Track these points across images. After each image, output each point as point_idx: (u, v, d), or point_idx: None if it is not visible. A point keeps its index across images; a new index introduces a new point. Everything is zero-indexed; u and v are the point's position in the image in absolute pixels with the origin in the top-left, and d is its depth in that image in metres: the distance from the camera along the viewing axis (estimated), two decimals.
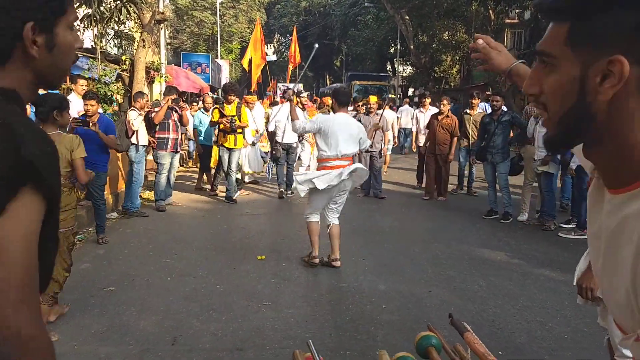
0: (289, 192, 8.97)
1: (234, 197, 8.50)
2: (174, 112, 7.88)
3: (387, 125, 9.75)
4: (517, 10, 23.22)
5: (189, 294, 4.43)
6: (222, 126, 8.21)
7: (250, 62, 16.26)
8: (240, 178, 9.14)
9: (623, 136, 0.82)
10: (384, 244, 6.02)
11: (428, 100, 10.45)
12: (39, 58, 1.02)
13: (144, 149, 7.77)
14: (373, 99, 9.04)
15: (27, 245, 0.91)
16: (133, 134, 7.30)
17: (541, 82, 0.88)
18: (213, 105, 9.17)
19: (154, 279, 4.82)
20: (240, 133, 8.38)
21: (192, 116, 9.94)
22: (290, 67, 19.37)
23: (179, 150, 8.03)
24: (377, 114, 8.95)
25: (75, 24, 1.11)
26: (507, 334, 3.70)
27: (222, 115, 8.19)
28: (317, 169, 5.27)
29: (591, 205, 0.98)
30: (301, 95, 10.08)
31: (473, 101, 8.68)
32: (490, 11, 22.29)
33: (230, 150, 8.33)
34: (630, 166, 0.83)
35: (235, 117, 8.20)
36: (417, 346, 1.58)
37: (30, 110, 5.78)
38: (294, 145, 9.06)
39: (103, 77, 9.16)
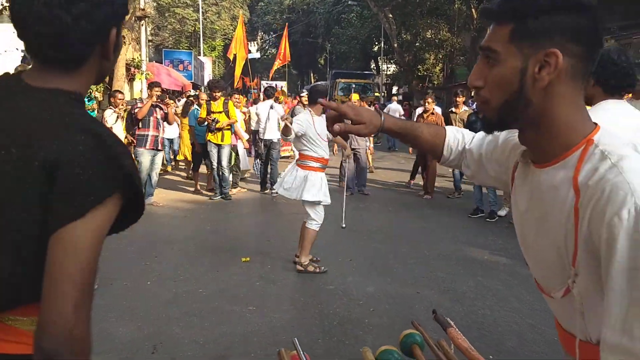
0: (274, 190, 8.80)
1: (229, 195, 8.48)
2: (157, 109, 7.74)
3: None
4: None
5: (170, 298, 4.28)
6: (208, 123, 8.21)
7: (234, 58, 16.15)
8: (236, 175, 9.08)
9: (553, 117, 0.99)
10: (371, 243, 5.92)
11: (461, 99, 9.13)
12: (111, 61, 1.07)
13: None
14: (355, 97, 8.94)
15: (97, 248, 0.95)
16: None
17: (485, 75, 1.02)
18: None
19: (133, 282, 4.65)
20: (227, 129, 8.31)
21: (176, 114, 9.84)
22: (277, 64, 19.19)
23: (159, 148, 7.85)
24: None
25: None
26: (497, 337, 3.62)
27: (208, 112, 8.15)
28: (314, 169, 4.96)
29: (519, 188, 1.13)
30: (301, 95, 10.08)
31: (457, 99, 8.59)
32: (473, 10, 22.34)
33: (218, 146, 8.26)
34: (557, 142, 0.99)
35: (217, 116, 8.09)
36: (401, 344, 1.59)
37: None
38: (275, 141, 9.05)
39: None
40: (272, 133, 9.01)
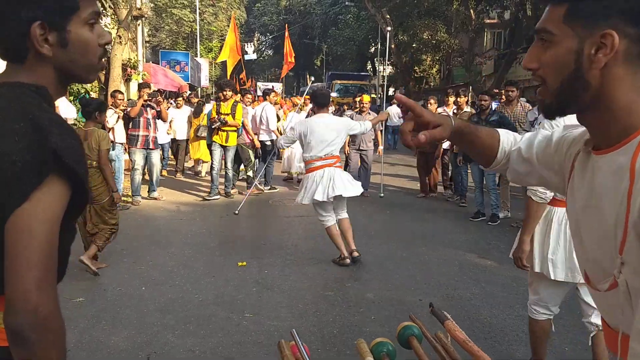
0: (267, 188, 9.21)
1: (231, 193, 8.71)
2: (147, 109, 7.79)
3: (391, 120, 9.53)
4: (497, 10, 23.23)
5: (164, 305, 4.14)
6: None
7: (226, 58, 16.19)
8: (251, 175, 9.14)
9: (613, 99, 0.96)
10: (369, 247, 5.79)
11: (452, 99, 8.97)
12: (55, 55, 1.06)
13: (122, 146, 7.95)
14: (366, 98, 9.02)
15: (50, 228, 0.97)
16: (109, 131, 7.09)
17: (539, 58, 1.02)
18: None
19: (127, 288, 4.51)
20: (233, 131, 8.35)
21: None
22: (286, 67, 19.16)
23: (151, 147, 7.90)
24: (369, 113, 8.89)
25: (93, 19, 1.12)
26: (506, 346, 3.50)
27: (217, 113, 8.26)
28: (306, 172, 5.30)
29: (577, 177, 1.10)
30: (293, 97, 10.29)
31: (447, 99, 8.56)
32: (471, 11, 22.27)
33: (223, 147, 8.36)
34: (617, 126, 0.97)
35: (224, 118, 8.15)
36: (398, 336, 1.61)
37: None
38: (267, 143, 9.24)
39: None
40: (264, 135, 9.23)
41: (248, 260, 5.30)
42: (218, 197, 8.54)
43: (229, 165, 8.53)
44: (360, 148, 8.69)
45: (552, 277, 2.74)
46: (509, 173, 1.37)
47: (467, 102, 8.46)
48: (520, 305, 4.16)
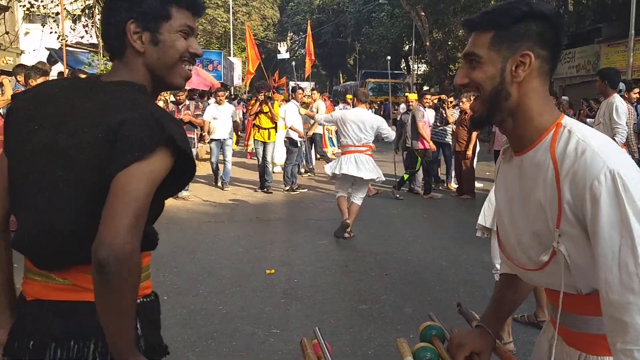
0: (286, 189, 9.22)
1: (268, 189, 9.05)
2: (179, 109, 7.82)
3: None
4: None
5: (186, 318, 3.86)
6: (257, 121, 8.96)
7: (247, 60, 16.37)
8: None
9: (528, 106, 1.22)
10: (407, 256, 5.41)
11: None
12: (146, 52, 1.27)
13: None
14: (412, 96, 9.03)
15: (148, 186, 1.15)
16: None
17: (469, 76, 1.25)
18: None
19: None
20: (273, 128, 8.98)
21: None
22: (308, 64, 18.94)
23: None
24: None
25: (186, 31, 1.32)
26: None
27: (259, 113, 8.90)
28: (341, 153, 6.38)
29: (502, 180, 1.36)
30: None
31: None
32: None
33: (264, 143, 8.91)
34: (532, 127, 1.22)
35: (262, 116, 8.86)
36: (421, 336, 1.56)
37: None
38: (296, 139, 9.37)
39: (104, 72, 8.66)
40: (293, 132, 9.32)
41: (277, 267, 5.00)
42: (264, 190, 9.02)
43: (268, 158, 9.03)
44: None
45: None
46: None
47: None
48: None
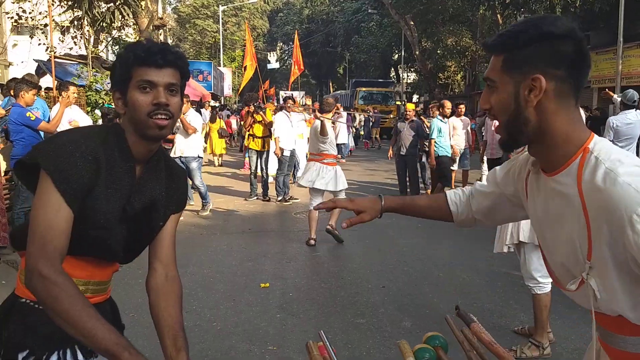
0: (279, 199, 9.13)
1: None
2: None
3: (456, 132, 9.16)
4: (526, 15, 22.57)
5: None
6: (251, 131, 9.04)
7: (245, 66, 16.21)
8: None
9: (550, 131, 1.17)
10: (403, 267, 5.34)
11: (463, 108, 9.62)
12: (126, 112, 1.44)
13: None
14: (410, 106, 9.21)
15: (42, 212, 1.30)
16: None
17: (489, 100, 1.22)
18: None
19: (141, 314, 4.14)
20: (267, 136, 8.99)
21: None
22: (296, 72, 18.84)
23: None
24: (413, 120, 8.88)
25: (144, 85, 1.41)
26: None
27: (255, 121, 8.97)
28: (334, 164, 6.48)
29: (534, 195, 1.31)
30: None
31: (459, 108, 8.40)
32: (499, 15, 21.69)
33: (258, 152, 9.01)
34: (558, 152, 1.18)
35: (256, 125, 8.89)
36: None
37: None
38: (285, 153, 9.19)
39: (94, 84, 8.53)
40: (284, 142, 9.14)
41: (271, 280, 4.91)
42: (256, 198, 9.16)
43: (267, 170, 9.11)
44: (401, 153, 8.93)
45: None
46: (479, 222, 1.56)
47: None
48: (584, 339, 3.67)
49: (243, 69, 16.71)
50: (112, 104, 7.80)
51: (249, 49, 17.01)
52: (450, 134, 8.77)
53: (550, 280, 3.43)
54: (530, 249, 3.40)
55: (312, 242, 6.12)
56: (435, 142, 8.39)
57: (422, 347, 1.51)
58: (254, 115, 8.95)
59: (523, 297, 4.40)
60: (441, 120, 8.57)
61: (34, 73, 8.75)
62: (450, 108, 8.67)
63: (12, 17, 12.49)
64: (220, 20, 34.28)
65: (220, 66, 30.85)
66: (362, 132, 22.68)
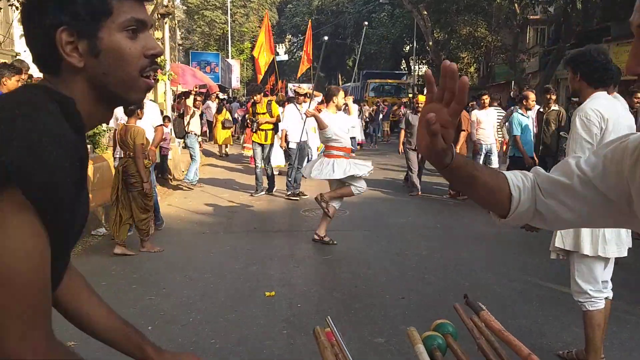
0: (288, 193, 8.77)
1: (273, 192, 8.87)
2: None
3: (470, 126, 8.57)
4: (543, 4, 21.82)
5: None
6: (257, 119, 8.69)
7: (257, 56, 15.64)
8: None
9: None
10: (423, 274, 4.84)
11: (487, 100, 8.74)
12: (87, 66, 0.91)
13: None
14: (422, 98, 8.62)
15: (25, 266, 0.78)
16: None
17: None
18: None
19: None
20: (271, 129, 8.68)
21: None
22: (304, 66, 18.30)
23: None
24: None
25: (134, 26, 0.93)
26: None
27: (253, 114, 8.70)
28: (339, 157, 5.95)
29: None
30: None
31: (549, 96, 7.32)
32: (516, 5, 20.96)
33: (262, 145, 8.67)
34: None
35: (260, 117, 8.54)
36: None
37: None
38: (292, 146, 8.94)
39: None
40: (291, 137, 8.95)
41: (277, 288, 4.43)
42: (263, 193, 8.79)
43: (270, 163, 8.83)
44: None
45: (606, 255, 2.84)
46: (538, 222, 1.14)
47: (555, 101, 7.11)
48: (624, 348, 3.16)
49: (262, 64, 16.15)
50: None
51: (266, 39, 16.38)
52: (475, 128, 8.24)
53: (604, 295, 2.95)
54: (579, 259, 2.93)
55: (320, 196, 5.81)
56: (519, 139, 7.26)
57: (431, 334, 1.49)
58: (256, 105, 8.68)
59: (564, 312, 3.88)
60: (523, 115, 7.37)
61: (24, 60, 8.29)
62: (534, 100, 7.48)
63: (12, 5, 12.05)
64: (229, 11, 33.78)
65: (228, 58, 30.39)
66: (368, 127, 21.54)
